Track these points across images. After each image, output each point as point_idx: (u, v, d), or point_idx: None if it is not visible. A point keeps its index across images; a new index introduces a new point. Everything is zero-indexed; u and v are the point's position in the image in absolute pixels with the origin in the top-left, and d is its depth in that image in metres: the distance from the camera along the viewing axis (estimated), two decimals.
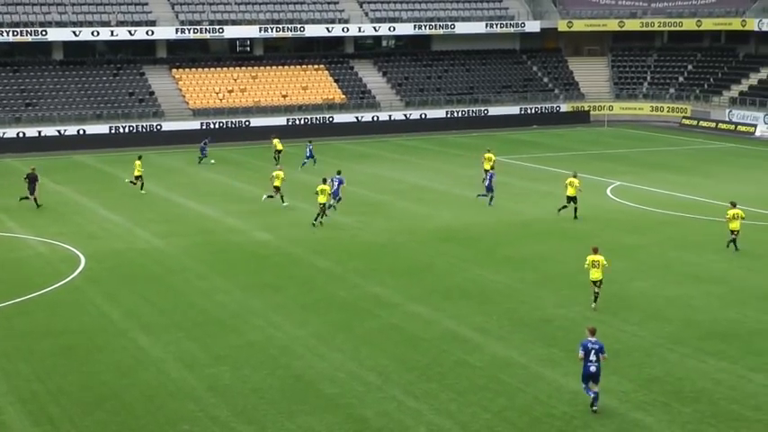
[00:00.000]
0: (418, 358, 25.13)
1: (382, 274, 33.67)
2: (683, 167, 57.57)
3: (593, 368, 21.51)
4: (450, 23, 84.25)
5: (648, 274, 33.20)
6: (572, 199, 41.58)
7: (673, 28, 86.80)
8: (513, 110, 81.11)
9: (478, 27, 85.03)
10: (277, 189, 44.45)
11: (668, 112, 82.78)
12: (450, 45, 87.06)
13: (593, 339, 21.68)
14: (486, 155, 49.66)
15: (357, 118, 77.34)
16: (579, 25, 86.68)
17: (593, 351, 21.49)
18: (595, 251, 29.11)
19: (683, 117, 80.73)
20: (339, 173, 44.73)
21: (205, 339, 26.64)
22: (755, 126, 74.78)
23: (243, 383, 23.50)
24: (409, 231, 40.42)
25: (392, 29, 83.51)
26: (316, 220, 41.36)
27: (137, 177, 49.20)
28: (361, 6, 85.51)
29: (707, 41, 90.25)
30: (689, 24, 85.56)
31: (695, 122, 78.47)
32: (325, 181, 42.25)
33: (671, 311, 29.21)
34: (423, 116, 78.86)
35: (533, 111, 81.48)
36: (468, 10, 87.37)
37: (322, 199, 41.01)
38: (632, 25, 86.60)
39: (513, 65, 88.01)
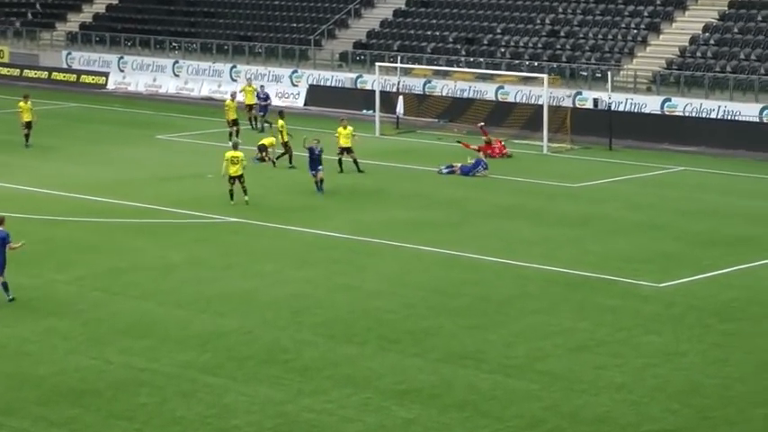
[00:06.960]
0: None
1: None
2: (20, 144, 53.29)
3: None
4: None
5: None
6: (347, 150, 50.83)
7: None
8: None
9: None
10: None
11: None
12: None
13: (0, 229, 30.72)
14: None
15: None
16: None
17: None
18: (235, 147, 41.17)
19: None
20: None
21: None
22: (107, 75, 74.26)
23: None
24: None
25: None
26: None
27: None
28: None
29: None
30: None
31: (18, 72, 76.69)
32: None
33: None
34: None
35: None
36: None
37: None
38: None
39: None
